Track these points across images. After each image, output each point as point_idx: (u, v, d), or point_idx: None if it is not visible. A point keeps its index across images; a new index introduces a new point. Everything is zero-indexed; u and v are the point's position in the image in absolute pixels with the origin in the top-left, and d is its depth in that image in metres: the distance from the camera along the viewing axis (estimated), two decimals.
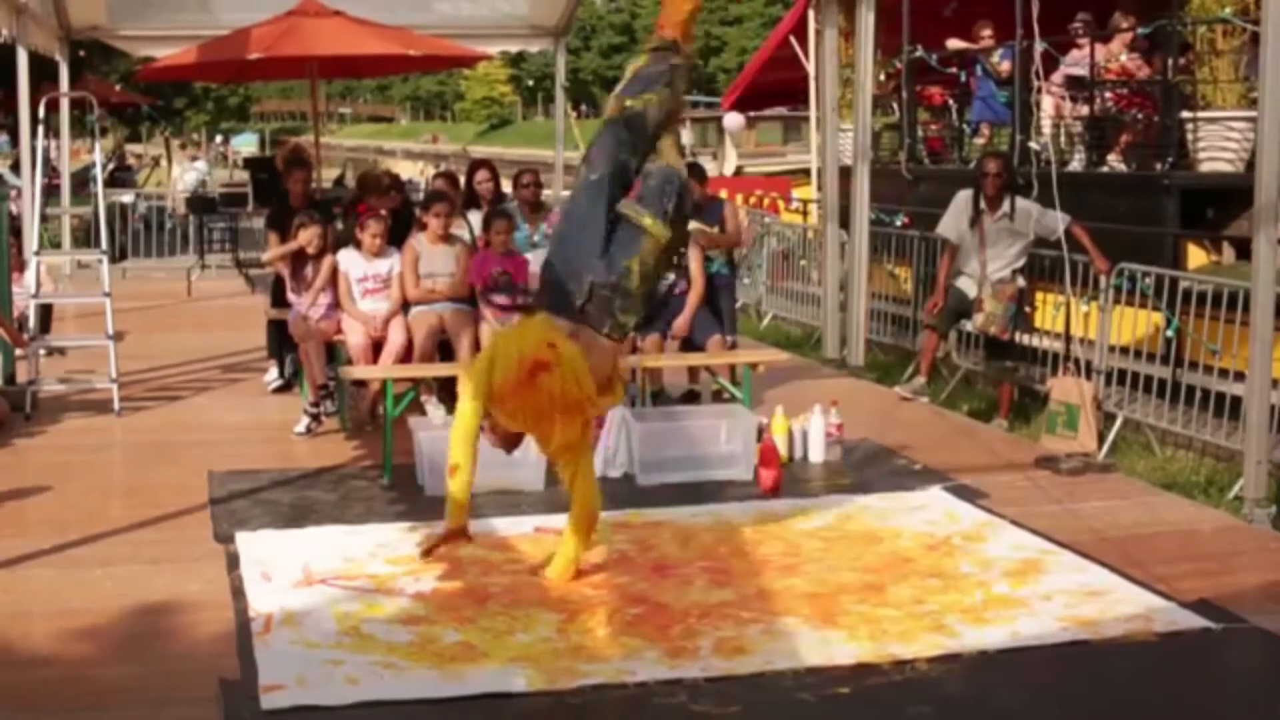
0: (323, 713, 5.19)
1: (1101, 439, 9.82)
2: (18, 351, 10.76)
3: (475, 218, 11.08)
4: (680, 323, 10.13)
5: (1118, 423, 10.33)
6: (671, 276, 10.17)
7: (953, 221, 10.95)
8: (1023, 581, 6.62)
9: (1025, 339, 11.39)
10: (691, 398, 10.62)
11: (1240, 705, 5.49)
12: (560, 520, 7.57)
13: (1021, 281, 10.80)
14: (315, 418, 9.80)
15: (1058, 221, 9.86)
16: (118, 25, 18.64)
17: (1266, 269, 8.15)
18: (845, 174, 12.75)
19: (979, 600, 6.38)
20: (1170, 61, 12.19)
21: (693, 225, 10.48)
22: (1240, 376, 8.90)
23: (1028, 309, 11.11)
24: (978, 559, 6.97)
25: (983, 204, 10.70)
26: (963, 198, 10.92)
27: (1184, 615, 6.17)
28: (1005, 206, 10.62)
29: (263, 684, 5.39)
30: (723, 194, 14.76)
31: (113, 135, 39.72)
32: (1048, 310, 11.57)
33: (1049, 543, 7.21)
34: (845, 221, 12.65)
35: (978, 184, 10.75)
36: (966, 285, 10.89)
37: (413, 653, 5.74)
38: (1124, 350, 10.80)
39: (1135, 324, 10.74)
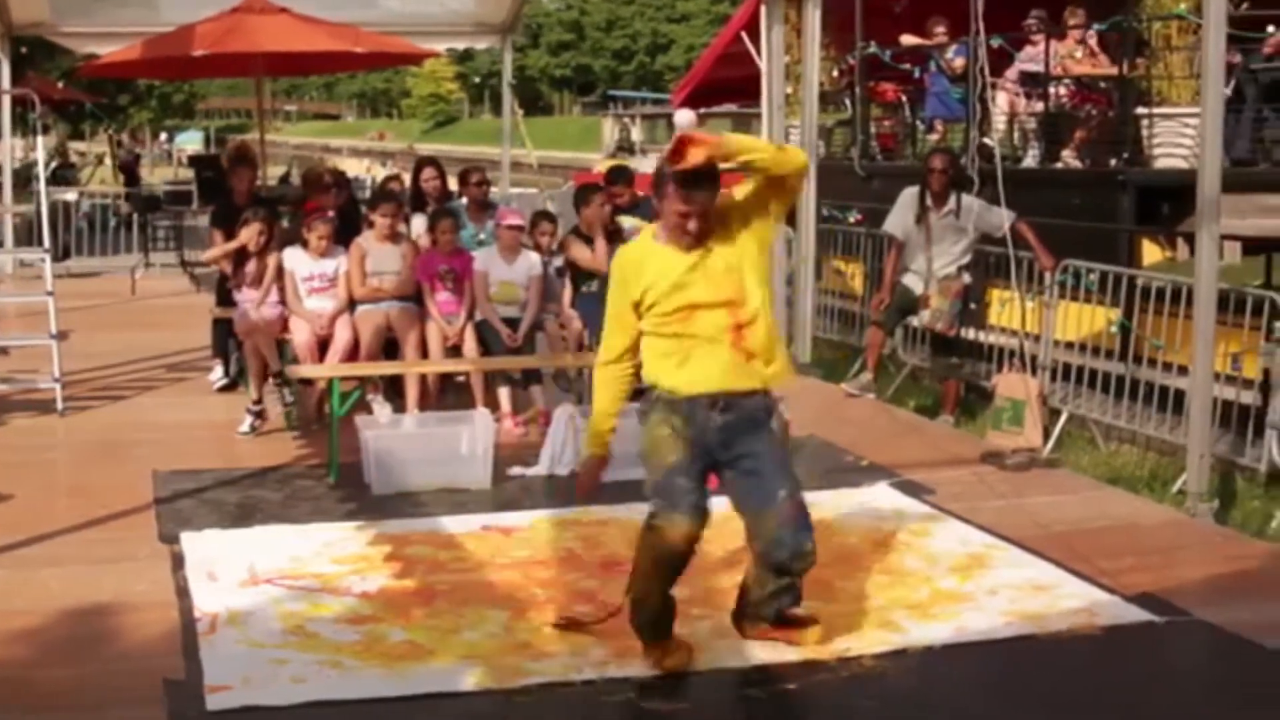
0: (269, 713, 5.17)
1: (1047, 434, 9.86)
2: None
3: (419, 219, 11.05)
4: None
5: (1063, 418, 10.38)
6: None
7: (899, 218, 10.97)
8: (969, 577, 6.65)
9: (971, 335, 11.44)
10: (639, 395, 10.60)
11: (1183, 697, 5.53)
12: (507, 519, 7.60)
13: (967, 278, 10.83)
14: (259, 415, 9.76)
15: (1003, 218, 9.90)
16: (60, 22, 18.48)
17: (1209, 264, 8.22)
18: None
19: (925, 596, 6.41)
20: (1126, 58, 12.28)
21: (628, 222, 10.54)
22: (1185, 371, 8.96)
23: (974, 305, 11.15)
24: (924, 554, 7.00)
25: (929, 200, 10.73)
26: (909, 194, 10.94)
27: (1128, 609, 6.22)
28: (951, 203, 10.65)
29: (208, 684, 5.37)
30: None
31: (55, 133, 39.38)
32: (993, 306, 11.62)
33: (995, 538, 7.25)
34: (793, 218, 12.66)
35: (924, 180, 10.78)
36: (913, 282, 10.91)
37: (360, 652, 5.72)
38: (1069, 345, 10.85)
39: (1081, 320, 10.80)
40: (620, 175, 10.96)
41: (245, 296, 10.13)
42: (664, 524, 5.47)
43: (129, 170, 31.58)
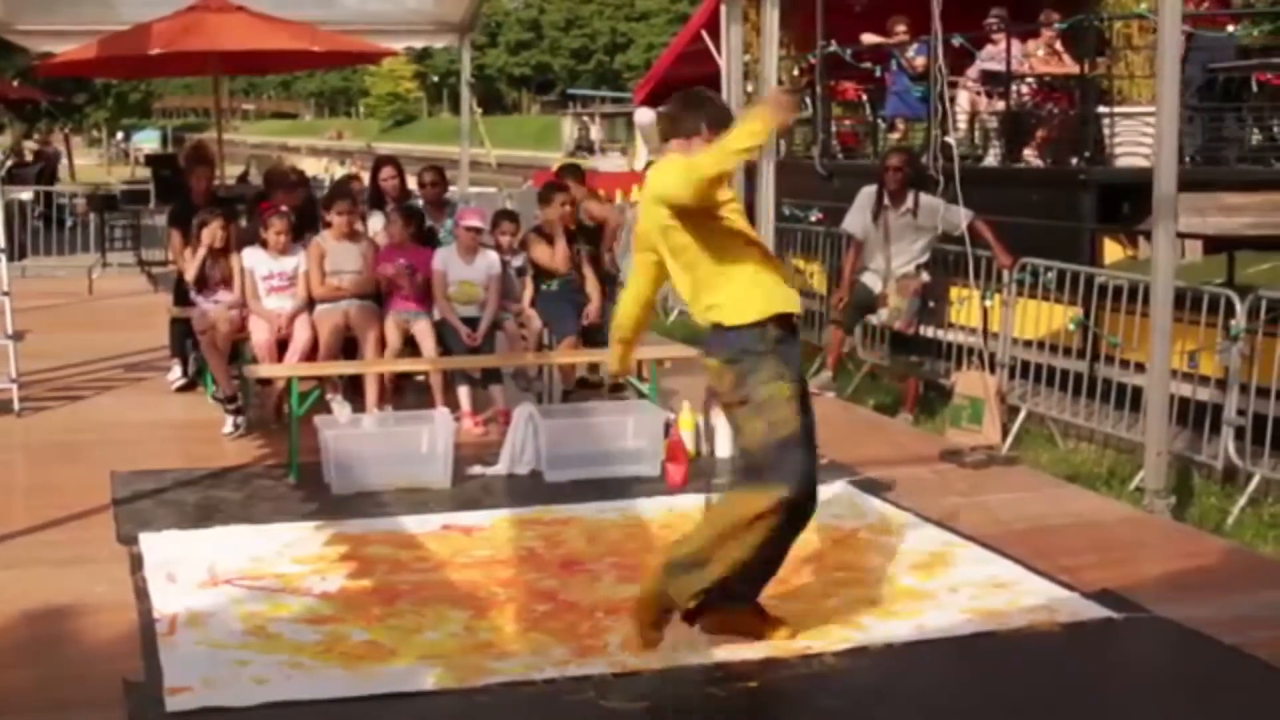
0: (229, 714, 5.14)
1: (1005, 432, 9.91)
2: None
3: (377, 217, 11.02)
4: (592, 309, 10.22)
5: (1021, 416, 10.42)
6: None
7: (857, 217, 11.00)
8: (929, 574, 6.67)
9: (930, 333, 11.47)
10: (592, 388, 10.69)
11: (1141, 693, 5.56)
12: (468, 518, 7.59)
13: (926, 276, 10.86)
14: (237, 411, 9.68)
15: (961, 216, 9.93)
16: (16, 20, 18.33)
17: (1165, 262, 8.27)
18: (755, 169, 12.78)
19: (886, 593, 6.42)
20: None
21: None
22: (1143, 368, 9.01)
23: (932, 303, 11.19)
24: (885, 552, 7.02)
25: (886, 199, 10.75)
26: (866, 193, 10.96)
27: (1087, 606, 6.25)
28: (909, 201, 10.67)
29: (168, 686, 5.34)
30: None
31: (11, 131, 39.13)
32: (952, 305, 11.66)
33: (955, 535, 7.27)
34: (753, 216, 12.67)
35: (880, 179, 10.80)
36: (871, 280, 10.94)
37: (320, 652, 5.70)
38: (1028, 344, 10.89)
39: (1040, 318, 10.85)
40: (570, 172, 11.05)
41: (207, 297, 10.09)
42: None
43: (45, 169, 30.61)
